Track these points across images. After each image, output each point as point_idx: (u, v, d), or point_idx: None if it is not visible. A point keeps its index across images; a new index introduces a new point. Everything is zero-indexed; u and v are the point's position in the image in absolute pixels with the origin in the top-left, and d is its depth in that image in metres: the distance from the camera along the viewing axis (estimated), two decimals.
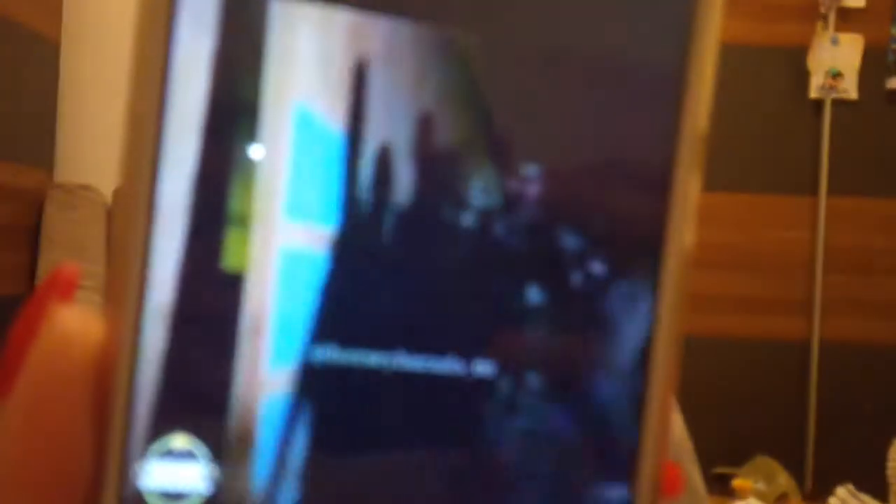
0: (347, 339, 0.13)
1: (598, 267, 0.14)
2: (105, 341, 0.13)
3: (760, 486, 1.64)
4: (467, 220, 0.13)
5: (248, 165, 0.13)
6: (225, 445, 0.13)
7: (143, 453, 0.13)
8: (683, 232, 0.14)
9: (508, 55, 0.13)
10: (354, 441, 0.13)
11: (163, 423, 0.13)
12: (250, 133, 0.13)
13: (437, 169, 0.13)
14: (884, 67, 1.89)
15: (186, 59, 0.13)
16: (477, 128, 0.13)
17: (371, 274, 0.13)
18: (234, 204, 0.13)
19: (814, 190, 1.90)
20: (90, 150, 1.47)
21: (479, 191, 0.13)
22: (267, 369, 0.13)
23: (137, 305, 0.13)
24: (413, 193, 0.13)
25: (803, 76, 1.90)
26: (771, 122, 1.91)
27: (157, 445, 0.13)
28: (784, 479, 1.67)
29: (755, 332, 1.87)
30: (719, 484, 1.62)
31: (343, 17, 0.13)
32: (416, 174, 0.13)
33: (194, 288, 0.13)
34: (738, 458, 1.75)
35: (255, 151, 0.13)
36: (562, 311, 0.13)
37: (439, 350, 0.13)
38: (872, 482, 1.42)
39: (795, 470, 1.77)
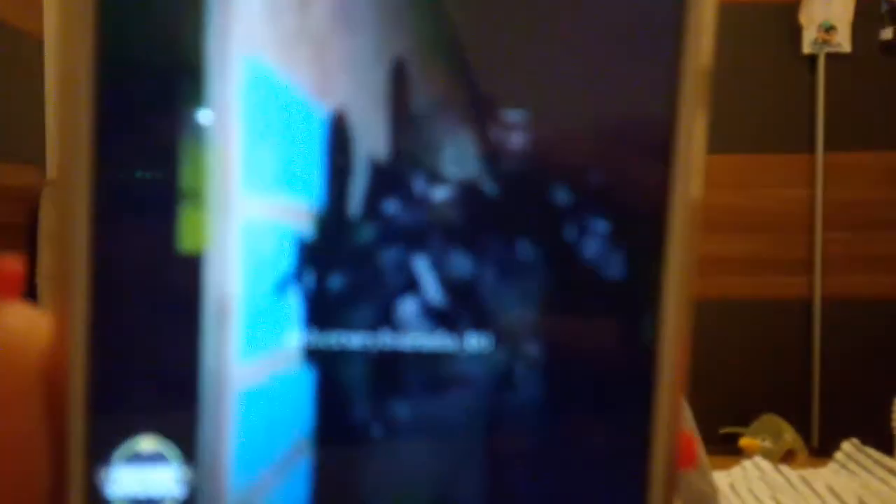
0: (324, 321, 0.12)
1: (596, 225, 0.12)
2: (53, 341, 0.12)
3: (767, 443, 1.65)
4: (449, 179, 0.12)
5: (197, 133, 0.11)
6: (197, 445, 0.12)
7: (108, 459, 0.12)
8: (690, 181, 0.12)
9: None
10: (340, 432, 0.12)
11: (127, 425, 0.12)
12: (195, 96, 0.11)
13: (412, 126, 0.12)
14: (877, 18, 1.86)
15: (116, 12, 0.11)
16: (455, 76, 0.12)
17: (347, 247, 0.12)
18: (185, 178, 0.12)
19: (811, 147, 1.89)
20: None
21: (461, 146, 0.12)
22: (237, 359, 0.12)
23: (85, 298, 0.12)
24: (388, 154, 0.12)
25: (795, 31, 1.88)
26: (764, 80, 1.89)
27: (123, 449, 0.12)
28: (790, 436, 1.68)
29: (757, 292, 1.87)
30: (726, 444, 1.63)
31: None
32: (389, 133, 0.12)
33: (148, 274, 0.12)
34: (744, 417, 1.76)
35: (203, 116, 0.12)
36: (558, 276, 0.12)
37: (428, 326, 0.12)
38: (878, 436, 1.43)
39: (801, 427, 1.78)
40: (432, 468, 0.12)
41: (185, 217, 0.12)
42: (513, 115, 0.12)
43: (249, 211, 0.12)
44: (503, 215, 0.12)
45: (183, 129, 0.12)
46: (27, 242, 1.45)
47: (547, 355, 0.12)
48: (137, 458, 0.12)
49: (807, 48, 1.87)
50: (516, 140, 0.12)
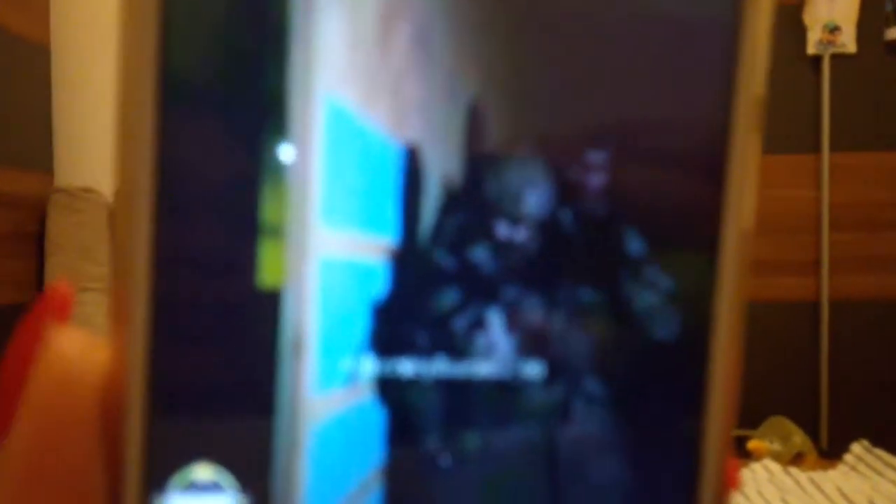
0: (395, 352, 0.12)
1: (653, 258, 0.12)
2: (111, 366, 0.12)
3: (776, 446, 1.65)
4: (523, 219, 0.12)
5: (278, 168, 0.11)
6: (256, 474, 0.12)
7: (163, 487, 0.12)
8: (744, 208, 0.12)
9: (556, 26, 0.12)
10: (410, 464, 0.12)
11: (184, 452, 0.12)
12: (277, 131, 0.11)
13: (487, 164, 0.12)
14: (882, 18, 1.86)
15: (187, 45, 0.11)
16: (530, 114, 0.12)
17: (421, 282, 0.12)
18: (265, 213, 0.11)
19: (816, 147, 1.89)
20: (89, 152, 1.47)
21: (536, 186, 0.12)
22: (312, 391, 0.12)
23: (145, 326, 0.11)
24: (462, 192, 0.12)
25: (800, 32, 1.88)
26: (769, 80, 1.88)
27: (179, 478, 0.12)
28: (799, 439, 1.68)
29: (764, 294, 1.86)
30: (734, 447, 1.63)
31: None
32: (464, 170, 0.12)
33: (218, 305, 0.11)
34: (753, 420, 1.76)
35: (285, 152, 0.11)
36: (615, 309, 0.12)
37: (494, 357, 0.12)
38: (887, 438, 1.42)
39: (810, 429, 1.78)
40: (500, 498, 0.12)
41: (263, 251, 0.12)
42: (592, 156, 0.12)
43: (327, 246, 0.12)
44: (574, 255, 0.12)
45: (264, 165, 0.12)
46: (35, 249, 1.45)
47: (601, 386, 0.13)
48: (193, 487, 0.12)
49: (811, 49, 1.87)
50: (592, 181, 0.12)
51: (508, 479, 0.12)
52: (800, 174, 1.90)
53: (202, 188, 0.11)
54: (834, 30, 1.86)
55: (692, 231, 0.12)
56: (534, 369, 0.12)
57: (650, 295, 0.13)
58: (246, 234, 0.12)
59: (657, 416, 0.13)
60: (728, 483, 0.13)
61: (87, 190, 1.43)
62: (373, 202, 0.12)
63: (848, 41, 1.86)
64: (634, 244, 0.12)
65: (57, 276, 1.40)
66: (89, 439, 0.12)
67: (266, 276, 0.12)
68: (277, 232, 0.12)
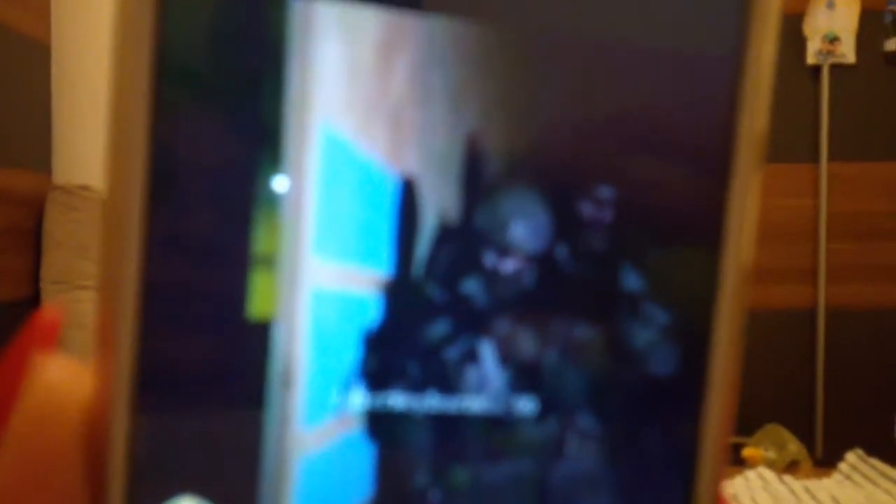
0: (385, 386, 0.12)
1: (650, 294, 0.12)
2: (96, 396, 0.11)
3: (771, 454, 1.65)
4: (520, 254, 0.12)
5: (272, 199, 0.11)
6: None
7: None
8: (742, 247, 0.12)
9: (557, 59, 0.12)
10: (399, 499, 0.12)
11: (169, 485, 0.11)
12: (272, 161, 0.11)
13: (485, 198, 0.12)
14: (881, 29, 1.86)
15: (182, 71, 0.11)
16: (530, 146, 0.12)
17: (412, 315, 0.12)
18: (257, 243, 0.11)
19: (814, 157, 1.89)
20: (87, 150, 1.46)
21: (534, 220, 0.12)
22: (301, 425, 0.12)
23: (131, 355, 0.11)
24: (459, 226, 0.12)
25: (800, 42, 1.88)
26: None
27: None
28: (794, 447, 1.68)
29: (761, 302, 1.86)
30: (729, 454, 1.63)
31: (374, 19, 0.11)
32: (462, 204, 0.12)
33: (207, 336, 0.11)
34: (748, 427, 1.76)
35: (279, 182, 0.11)
36: (610, 345, 0.12)
37: (484, 393, 0.12)
38: (882, 447, 1.42)
39: (805, 437, 1.78)
40: None
41: (254, 282, 0.11)
42: (591, 190, 0.12)
43: (319, 277, 0.12)
44: (570, 290, 0.12)
45: (257, 194, 0.11)
46: (32, 246, 1.45)
47: (598, 426, 0.12)
48: None
49: (811, 59, 1.87)
50: (591, 215, 0.12)
51: None
52: (798, 183, 1.90)
53: (193, 217, 0.11)
54: (833, 40, 1.87)
55: (692, 267, 0.12)
56: (526, 405, 0.12)
57: (646, 331, 0.12)
58: (237, 264, 0.11)
59: (651, 453, 0.13)
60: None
61: (85, 188, 1.43)
62: (367, 234, 0.12)
63: (847, 52, 1.87)
64: (631, 279, 0.12)
65: (54, 272, 1.39)
66: (73, 472, 0.11)
67: (257, 306, 0.11)
68: (269, 262, 0.11)
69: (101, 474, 0.11)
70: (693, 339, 0.12)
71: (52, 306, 0.13)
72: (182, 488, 0.11)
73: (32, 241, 1.44)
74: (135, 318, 0.11)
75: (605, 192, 0.12)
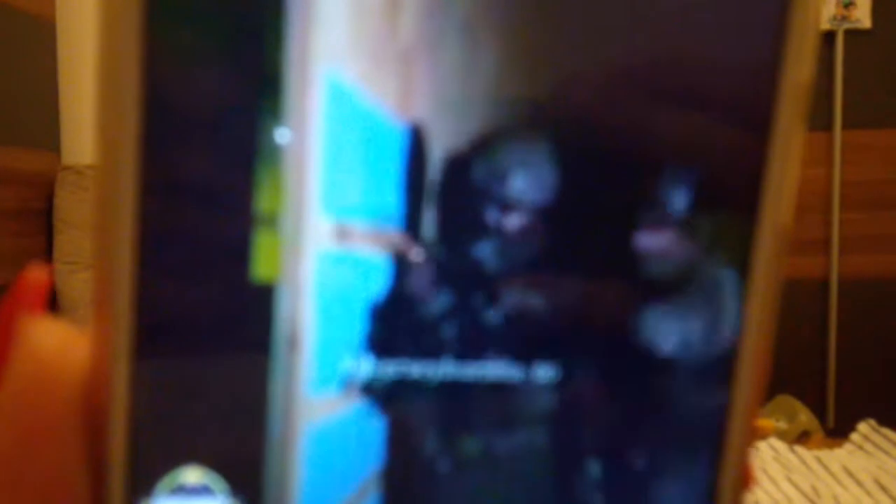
0: (397, 352, 0.11)
1: (678, 254, 0.12)
2: (93, 362, 0.11)
3: (782, 424, 1.65)
4: (529, 208, 0.11)
5: (273, 152, 0.10)
6: (248, 476, 0.11)
7: (150, 491, 0.11)
8: (782, 208, 0.12)
9: None
10: (409, 467, 0.12)
11: (172, 455, 0.11)
12: (272, 111, 0.10)
13: (502, 150, 0.11)
14: None
15: (175, 16, 0.10)
16: (551, 94, 0.11)
17: (425, 276, 0.11)
18: (258, 201, 0.11)
19: (828, 125, 1.86)
20: None
21: (545, 171, 0.11)
22: (307, 392, 0.11)
23: (131, 319, 0.10)
24: (469, 180, 0.11)
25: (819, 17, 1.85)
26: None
27: (167, 481, 0.11)
28: (805, 417, 1.67)
29: None
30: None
31: None
32: (477, 156, 0.11)
33: (208, 299, 0.11)
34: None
35: (280, 134, 0.10)
36: (632, 306, 0.12)
37: (498, 357, 0.12)
38: (894, 417, 1.42)
39: (817, 407, 1.78)
40: (505, 500, 0.12)
41: (256, 242, 0.11)
42: (626, 143, 0.11)
43: (325, 237, 0.11)
44: (591, 251, 0.12)
45: (257, 148, 0.11)
46: (43, 227, 1.45)
47: (617, 387, 0.12)
48: (182, 491, 0.11)
49: (825, 24, 1.83)
50: (616, 170, 0.11)
51: (509, 485, 0.12)
52: (812, 152, 1.87)
53: (190, 173, 0.11)
54: (848, 5, 1.83)
55: (725, 227, 0.12)
56: (542, 372, 0.12)
57: (673, 294, 0.12)
58: (238, 223, 0.11)
59: (676, 422, 0.12)
60: (746, 480, 0.12)
61: (94, 167, 1.43)
62: (376, 190, 0.11)
63: (863, 16, 1.83)
64: (657, 238, 0.12)
65: (65, 253, 1.40)
66: (70, 442, 0.11)
67: (260, 268, 0.11)
68: (272, 221, 0.11)
69: (100, 445, 0.11)
70: (724, 304, 0.12)
71: (38, 268, 0.12)
72: (186, 458, 0.11)
73: (43, 221, 1.45)
74: (132, 280, 0.11)
75: (631, 145, 0.11)
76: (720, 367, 0.12)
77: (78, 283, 1.36)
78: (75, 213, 1.43)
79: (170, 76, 0.10)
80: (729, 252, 0.12)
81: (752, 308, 0.12)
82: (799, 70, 0.11)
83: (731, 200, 0.12)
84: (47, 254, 1.44)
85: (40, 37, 1.44)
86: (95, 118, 0.10)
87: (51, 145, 1.48)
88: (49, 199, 1.45)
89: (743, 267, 0.12)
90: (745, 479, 0.12)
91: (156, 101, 0.10)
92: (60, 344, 0.11)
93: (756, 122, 0.12)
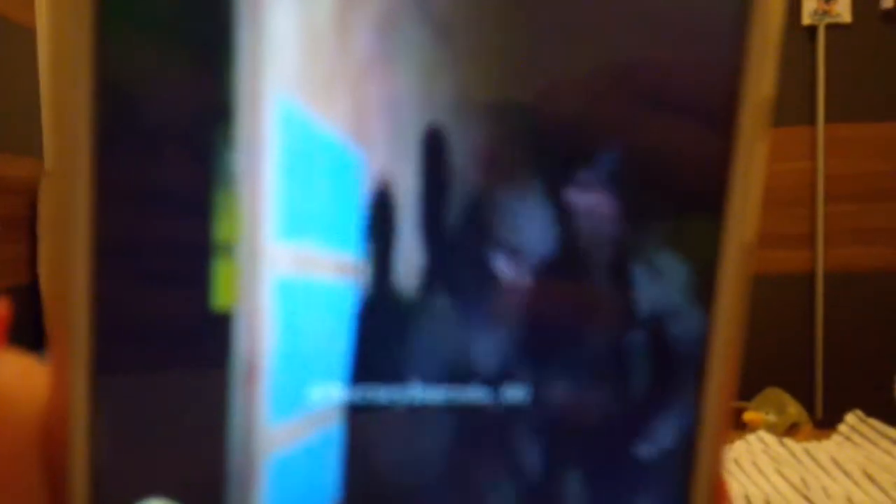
0: (362, 378, 0.11)
1: (646, 263, 0.12)
2: (52, 394, 0.11)
3: (771, 417, 1.66)
4: (499, 241, 0.11)
5: (225, 179, 0.10)
6: None
7: None
8: (746, 222, 0.12)
9: (548, 5, 0.11)
10: (375, 493, 0.11)
11: (134, 486, 0.11)
12: (224, 139, 0.10)
13: (465, 177, 0.11)
14: None
15: (124, 42, 0.10)
16: (514, 124, 0.11)
17: (387, 301, 0.11)
18: (212, 228, 0.10)
19: (811, 119, 1.88)
20: None
21: (512, 206, 0.11)
22: (267, 420, 0.11)
23: (87, 348, 0.10)
24: (429, 211, 0.11)
25: (795, 2, 1.86)
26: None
27: None
28: (794, 409, 1.69)
29: (759, 267, 1.87)
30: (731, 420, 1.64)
31: None
32: (437, 183, 0.11)
33: (166, 329, 0.11)
34: (748, 391, 1.77)
35: (232, 161, 0.10)
36: (606, 317, 0.12)
37: (464, 379, 0.11)
38: (881, 407, 1.43)
39: (805, 400, 1.79)
40: None
41: (213, 270, 0.11)
42: (597, 161, 0.11)
43: (283, 264, 0.11)
44: (565, 264, 0.11)
45: (209, 175, 0.10)
46: (27, 234, 1.44)
47: (588, 407, 0.12)
48: None
49: (806, 19, 1.85)
50: (588, 191, 0.11)
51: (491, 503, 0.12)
52: (795, 146, 1.89)
53: (143, 204, 0.10)
54: (829, 0, 1.84)
55: (694, 233, 0.12)
56: (510, 393, 0.12)
57: (644, 299, 0.12)
58: (193, 251, 0.11)
59: (649, 429, 0.12)
60: (720, 494, 0.12)
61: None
62: (333, 216, 0.11)
63: (843, 11, 1.84)
64: (632, 246, 0.12)
65: None
66: (29, 475, 0.11)
67: (218, 296, 0.11)
68: (228, 249, 0.11)
69: (61, 478, 0.11)
70: (693, 309, 0.12)
71: (1, 299, 0.12)
72: (148, 490, 0.11)
73: (28, 228, 1.43)
74: (88, 315, 0.10)
75: (603, 162, 0.11)
76: (690, 377, 0.12)
77: None
78: None
79: (123, 102, 0.10)
80: (697, 258, 0.12)
81: (720, 315, 0.12)
82: (760, 84, 0.11)
83: (697, 209, 0.12)
84: (32, 261, 1.43)
85: (26, 46, 1.43)
86: (47, 148, 0.10)
87: (35, 152, 1.47)
88: (34, 206, 1.44)
89: (712, 273, 0.12)
90: (717, 488, 0.12)
91: (108, 126, 0.10)
92: (19, 376, 0.11)
93: (719, 133, 0.11)
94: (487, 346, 0.11)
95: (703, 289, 0.12)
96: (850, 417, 1.42)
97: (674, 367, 0.12)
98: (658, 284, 0.12)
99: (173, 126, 0.10)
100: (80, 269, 0.10)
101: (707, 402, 0.12)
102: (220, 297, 0.11)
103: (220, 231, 0.11)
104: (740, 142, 0.11)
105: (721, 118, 0.11)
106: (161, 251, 0.11)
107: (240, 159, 0.10)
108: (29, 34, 1.43)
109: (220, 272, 0.11)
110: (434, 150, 0.11)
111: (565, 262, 0.12)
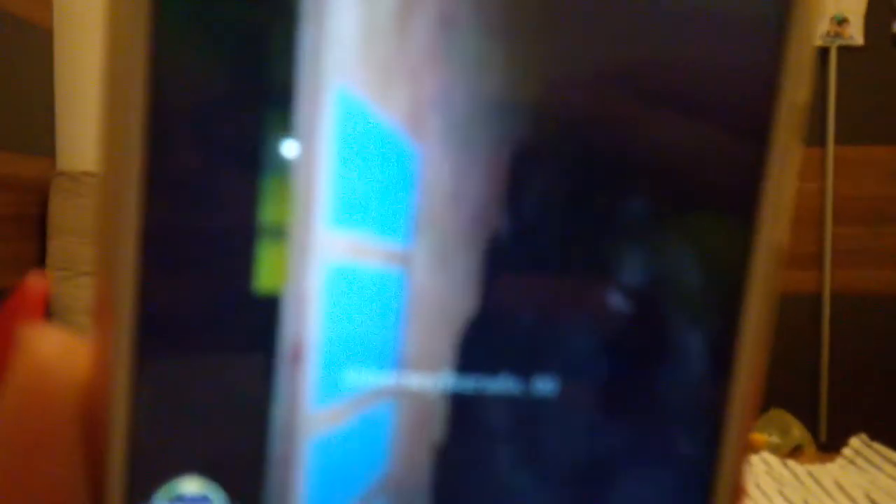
0: (405, 364, 0.11)
1: (677, 266, 0.12)
2: (93, 371, 0.11)
3: (774, 439, 1.65)
4: (542, 223, 0.11)
5: (282, 165, 0.11)
6: (250, 490, 0.11)
7: (148, 500, 0.11)
8: (777, 226, 0.12)
9: (589, 12, 0.11)
10: (414, 476, 0.11)
11: (171, 464, 0.11)
12: (283, 125, 0.10)
13: (509, 166, 0.11)
14: (890, 10, 1.84)
15: (185, 30, 0.10)
16: (558, 111, 0.11)
17: (431, 289, 0.11)
18: (266, 212, 0.11)
19: (821, 140, 1.88)
20: (91, 136, 1.46)
21: (559, 190, 0.11)
22: (311, 403, 0.11)
23: (133, 329, 0.10)
24: (477, 199, 0.11)
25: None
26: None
27: (165, 490, 0.11)
28: (798, 432, 1.68)
29: None
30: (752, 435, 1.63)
31: None
32: (484, 171, 0.11)
33: (212, 310, 0.11)
34: None
35: (289, 147, 0.11)
36: (633, 321, 0.12)
37: (494, 368, 0.12)
38: (886, 432, 1.42)
39: (809, 422, 1.78)
40: None
41: (263, 253, 0.11)
42: (631, 156, 0.11)
43: (333, 249, 0.11)
44: (596, 261, 0.12)
45: (267, 160, 0.11)
46: (37, 233, 1.45)
47: (615, 401, 0.12)
48: (180, 500, 0.11)
49: (818, 41, 1.85)
50: (622, 182, 0.11)
51: (519, 492, 0.12)
52: (804, 166, 1.89)
53: (198, 183, 0.11)
54: (842, 22, 1.85)
55: (723, 240, 0.12)
56: (541, 385, 0.12)
57: (671, 307, 0.12)
58: (245, 234, 0.11)
59: (667, 430, 0.12)
60: (739, 494, 0.12)
61: (89, 174, 1.43)
62: (385, 204, 0.11)
63: (856, 33, 1.85)
64: (658, 251, 0.12)
65: (58, 259, 1.40)
66: (69, 450, 0.11)
67: (266, 280, 0.11)
68: (279, 233, 0.11)
69: (100, 454, 0.11)
70: (721, 319, 0.12)
71: (37, 276, 0.12)
72: (185, 469, 0.11)
73: (37, 227, 1.44)
74: (134, 289, 0.11)
75: (636, 157, 0.12)
76: (716, 380, 0.12)
77: (71, 289, 1.35)
78: (69, 219, 1.42)
79: (178, 87, 0.10)
80: (726, 264, 0.12)
81: (748, 321, 0.12)
82: (796, 91, 0.12)
83: (728, 213, 0.12)
84: (40, 260, 1.43)
85: (37, 43, 1.44)
86: (101, 127, 0.11)
87: (46, 151, 1.48)
88: (43, 204, 1.45)
89: (741, 279, 0.12)
90: (737, 494, 0.12)
91: (163, 111, 0.10)
92: (60, 352, 0.11)
93: (754, 140, 0.12)
94: (521, 337, 0.12)
95: (733, 294, 0.12)
96: (855, 441, 1.41)
97: (701, 370, 0.12)
98: (688, 286, 0.12)
99: (231, 110, 0.11)
100: (128, 248, 0.11)
101: (733, 405, 0.12)
102: (266, 281, 0.11)
103: (270, 215, 0.11)
104: (774, 148, 0.12)
105: (757, 124, 0.12)
106: (208, 234, 0.11)
107: (297, 145, 0.11)
108: (44, 34, 1.44)
109: (268, 256, 0.11)
110: (484, 138, 0.11)
111: (597, 261, 0.12)
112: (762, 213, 0.12)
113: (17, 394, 0.11)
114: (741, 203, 0.12)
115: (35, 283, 0.13)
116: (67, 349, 0.11)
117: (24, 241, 1.43)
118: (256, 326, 0.11)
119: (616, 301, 0.12)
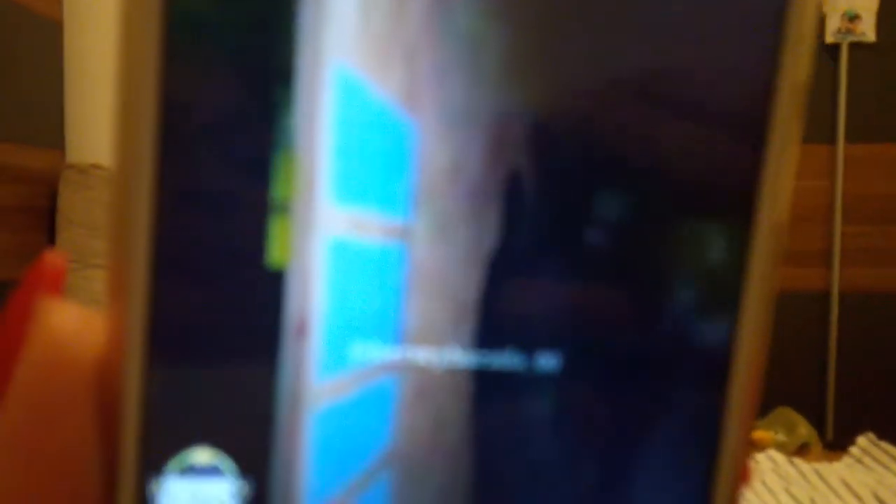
0: (407, 338, 0.12)
1: (678, 246, 0.12)
2: (107, 344, 0.11)
3: (781, 437, 1.65)
4: (541, 205, 0.11)
5: (283, 142, 0.11)
6: (257, 459, 0.11)
7: (161, 470, 0.11)
8: (778, 209, 0.12)
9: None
10: (418, 450, 0.12)
11: (183, 435, 0.11)
12: (284, 102, 0.11)
13: (506, 147, 0.11)
14: None
15: (189, 15, 0.10)
16: (555, 98, 0.11)
17: (433, 264, 0.12)
18: (268, 189, 0.11)
19: (831, 138, 1.87)
20: (100, 128, 1.47)
21: (555, 175, 0.11)
22: (316, 376, 0.11)
23: (145, 299, 0.11)
24: (477, 171, 0.11)
25: (818, 20, 1.85)
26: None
27: (177, 461, 0.11)
28: (805, 430, 1.67)
29: None
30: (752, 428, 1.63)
31: None
32: (481, 150, 0.11)
33: (220, 283, 0.11)
34: (759, 410, 1.76)
35: (290, 124, 0.11)
36: (636, 311, 0.12)
37: (499, 344, 0.12)
38: (893, 431, 1.42)
39: (816, 420, 1.78)
40: (506, 486, 0.12)
41: (268, 228, 0.11)
42: (630, 147, 0.11)
43: (336, 224, 0.11)
44: (597, 250, 0.12)
45: (267, 138, 0.11)
46: (46, 225, 1.46)
47: (620, 377, 0.12)
48: (192, 471, 0.11)
49: (829, 37, 1.84)
50: (621, 174, 0.12)
51: (521, 468, 0.12)
52: (814, 164, 1.88)
53: (205, 162, 0.11)
54: (853, 18, 1.83)
55: (723, 233, 0.12)
56: (544, 361, 0.12)
57: (673, 298, 0.12)
58: (251, 210, 0.11)
59: (672, 424, 0.12)
60: (742, 476, 0.12)
61: (98, 166, 1.44)
62: (385, 180, 0.11)
63: (868, 30, 1.84)
64: (660, 243, 0.12)
65: (67, 250, 1.40)
66: (84, 421, 0.11)
67: (273, 254, 0.11)
68: (285, 209, 0.11)
69: (114, 425, 0.11)
70: (721, 311, 0.12)
71: (56, 252, 0.13)
72: (196, 439, 0.11)
73: (46, 219, 1.45)
74: (147, 265, 0.11)
75: (636, 149, 0.12)
76: (718, 364, 0.12)
77: (81, 281, 1.36)
78: (79, 211, 1.43)
79: (186, 70, 0.11)
80: (727, 253, 0.12)
81: (748, 309, 0.12)
82: (796, 70, 0.12)
83: (728, 202, 0.12)
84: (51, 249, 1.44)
85: (47, 35, 1.45)
86: (114, 118, 0.11)
87: (56, 143, 1.48)
88: (53, 196, 1.46)
89: (741, 267, 0.12)
90: (741, 476, 0.12)
91: (172, 94, 0.11)
92: (77, 326, 0.11)
93: (753, 126, 0.12)
94: (525, 314, 0.12)
95: (733, 284, 0.12)
96: (862, 440, 1.40)
97: (703, 357, 0.12)
98: (690, 278, 0.12)
99: (236, 92, 0.11)
100: (141, 221, 0.11)
101: (734, 389, 0.12)
102: (274, 255, 0.11)
103: (278, 191, 0.11)
104: (772, 142, 0.12)
105: (757, 111, 0.12)
106: (220, 207, 0.11)
107: (298, 123, 0.11)
108: (52, 26, 1.45)
109: (276, 230, 0.11)
110: (480, 117, 0.11)
111: (598, 237, 0.12)
112: (761, 213, 0.12)
113: (34, 367, 0.11)
114: (741, 202, 0.12)
115: (53, 259, 0.13)
116: (83, 323, 0.12)
117: (34, 233, 1.44)
118: (263, 300, 0.11)
119: (617, 279, 0.12)
